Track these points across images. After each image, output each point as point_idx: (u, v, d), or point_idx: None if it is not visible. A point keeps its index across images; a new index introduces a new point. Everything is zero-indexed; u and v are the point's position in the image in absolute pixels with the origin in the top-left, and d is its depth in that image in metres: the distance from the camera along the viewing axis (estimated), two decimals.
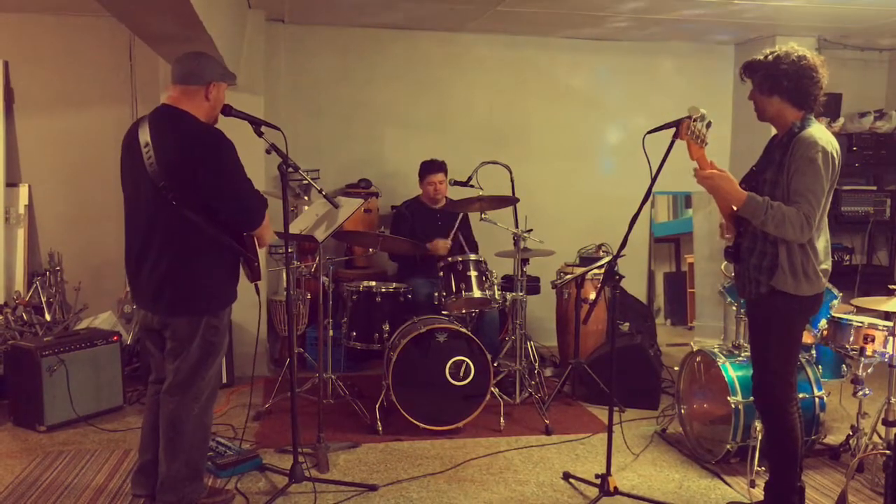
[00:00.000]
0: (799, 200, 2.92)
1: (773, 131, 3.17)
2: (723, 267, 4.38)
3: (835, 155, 2.96)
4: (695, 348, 4.19)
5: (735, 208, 3.05)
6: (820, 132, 2.99)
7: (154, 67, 5.17)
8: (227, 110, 3.21)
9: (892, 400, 3.70)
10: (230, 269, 3.18)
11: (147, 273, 3.11)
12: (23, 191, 5.65)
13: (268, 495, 3.49)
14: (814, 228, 2.94)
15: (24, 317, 5.14)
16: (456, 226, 5.25)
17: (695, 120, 3.01)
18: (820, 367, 4.07)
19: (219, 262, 3.13)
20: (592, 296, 5.17)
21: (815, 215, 2.92)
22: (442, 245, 5.18)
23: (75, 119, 5.72)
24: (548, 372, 5.55)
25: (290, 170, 3.36)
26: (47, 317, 5.29)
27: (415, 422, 4.26)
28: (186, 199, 3.00)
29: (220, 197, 3.02)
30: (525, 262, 4.94)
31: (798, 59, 2.99)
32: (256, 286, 3.31)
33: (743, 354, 3.95)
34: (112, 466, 3.85)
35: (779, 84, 3.01)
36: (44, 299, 5.37)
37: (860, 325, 3.82)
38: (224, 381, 5.00)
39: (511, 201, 4.94)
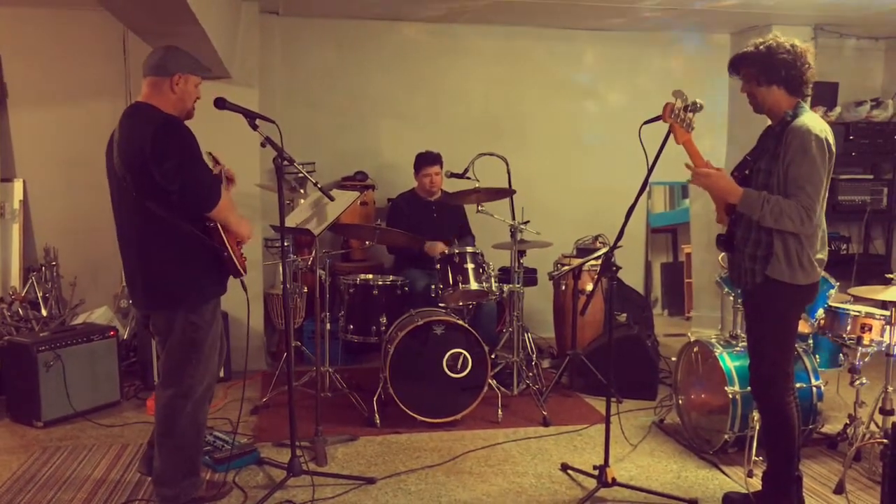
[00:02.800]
0: (797, 193, 2.92)
1: (769, 120, 3.17)
2: (720, 258, 4.38)
3: (829, 140, 2.96)
4: (692, 338, 4.19)
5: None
6: (812, 120, 2.99)
7: None
8: (221, 103, 3.19)
9: (889, 389, 3.70)
10: (203, 264, 3.12)
11: (126, 270, 3.21)
12: (17, 186, 5.62)
13: (266, 489, 3.49)
14: (815, 219, 2.93)
15: (20, 312, 5.12)
16: (456, 245, 5.24)
17: (679, 104, 3.00)
18: (817, 356, 4.07)
19: (188, 257, 3.08)
20: (590, 287, 5.16)
21: (815, 207, 2.91)
22: (439, 248, 5.15)
23: (69, 113, 5.68)
24: (545, 363, 5.55)
25: (286, 163, 3.33)
26: (43, 312, 5.28)
27: (412, 414, 4.26)
28: (144, 189, 2.98)
29: (165, 174, 2.93)
30: (522, 253, 4.93)
31: (792, 47, 3.00)
32: (242, 282, 3.24)
33: (740, 344, 3.94)
34: (110, 461, 3.85)
35: (777, 73, 3.01)
36: (40, 294, 5.36)
37: (857, 314, 3.83)
38: (221, 375, 4.98)
39: (507, 193, 4.93)
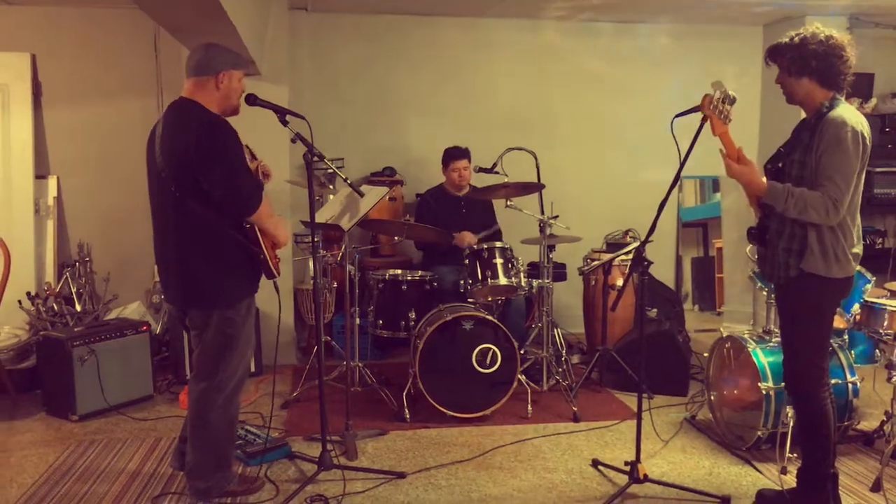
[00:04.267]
0: (825, 183, 2.88)
1: (803, 113, 3.12)
2: (748, 250, 4.32)
3: (865, 133, 2.91)
4: (724, 334, 4.15)
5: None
6: (848, 112, 2.94)
7: (179, 58, 5.16)
8: (252, 100, 3.21)
9: None
10: (239, 263, 3.14)
11: (162, 265, 3.22)
12: (51, 183, 5.71)
13: (297, 483, 3.51)
14: (842, 211, 2.89)
15: (55, 307, 5.20)
16: (484, 234, 5.22)
17: (718, 96, 2.97)
18: (853, 352, 4.01)
19: (225, 256, 3.10)
20: (620, 282, 5.13)
21: (843, 198, 2.87)
22: (469, 238, 5.15)
23: (102, 110, 5.76)
24: (575, 359, 5.52)
25: (315, 159, 3.34)
26: (77, 307, 5.35)
27: (442, 409, 4.27)
28: (185, 188, 2.99)
29: (209, 179, 2.95)
30: (551, 248, 4.91)
31: (826, 38, 2.95)
32: (275, 283, 3.26)
33: (773, 340, 3.89)
34: (144, 454, 3.89)
35: (808, 65, 2.96)
36: (73, 290, 5.43)
37: (894, 309, 3.76)
38: (252, 370, 5.03)
39: (536, 188, 4.91)
